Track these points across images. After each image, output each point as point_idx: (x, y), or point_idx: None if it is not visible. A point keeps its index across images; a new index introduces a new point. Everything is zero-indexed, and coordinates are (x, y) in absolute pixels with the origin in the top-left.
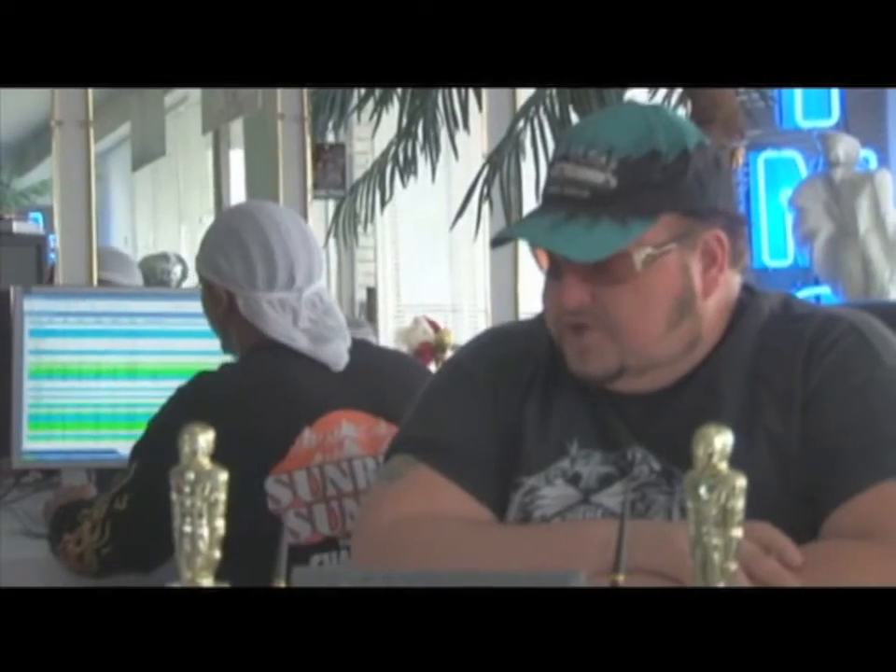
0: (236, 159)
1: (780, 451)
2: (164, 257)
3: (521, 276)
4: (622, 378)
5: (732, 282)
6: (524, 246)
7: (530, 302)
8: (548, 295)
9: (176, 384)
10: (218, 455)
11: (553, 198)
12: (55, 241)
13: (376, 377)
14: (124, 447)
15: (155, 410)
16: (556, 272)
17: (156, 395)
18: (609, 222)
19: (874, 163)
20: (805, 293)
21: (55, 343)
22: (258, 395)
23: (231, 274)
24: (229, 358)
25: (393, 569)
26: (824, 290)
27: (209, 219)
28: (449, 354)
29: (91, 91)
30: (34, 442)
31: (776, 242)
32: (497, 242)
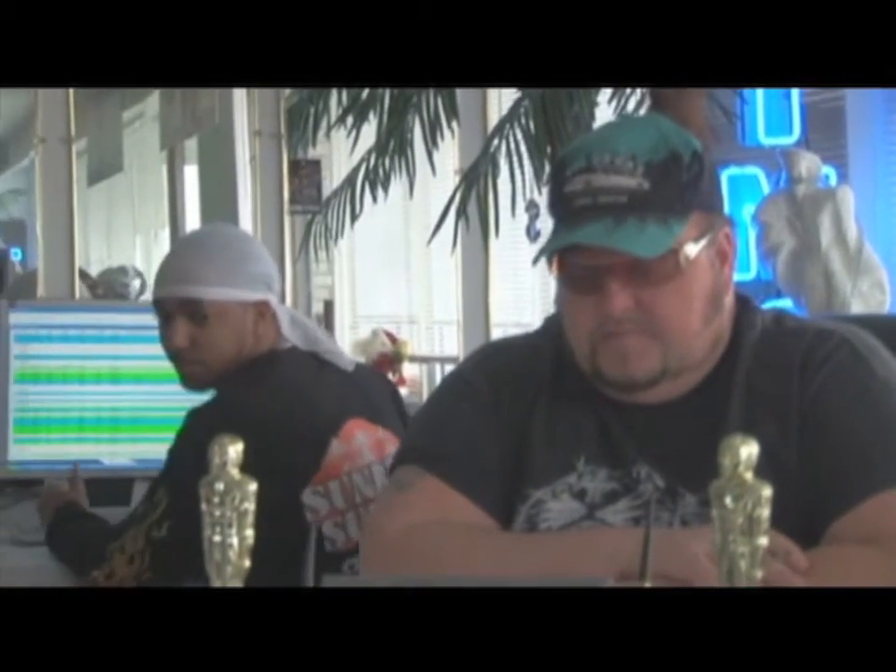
0: (191, 174)
1: (778, 465)
2: (123, 270)
3: (492, 288)
4: (661, 383)
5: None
6: (494, 258)
7: (500, 314)
8: (581, 308)
9: (158, 388)
10: (252, 473)
11: (588, 209)
12: (16, 254)
13: (363, 386)
14: (107, 452)
15: (137, 413)
16: (591, 283)
17: (138, 399)
18: (655, 222)
19: (833, 180)
20: (767, 306)
21: (40, 348)
22: (283, 412)
23: (266, 276)
24: None
25: (406, 575)
26: (786, 303)
27: (164, 233)
28: (406, 364)
29: (73, 110)
30: (19, 446)
31: (739, 256)
32: (542, 254)
